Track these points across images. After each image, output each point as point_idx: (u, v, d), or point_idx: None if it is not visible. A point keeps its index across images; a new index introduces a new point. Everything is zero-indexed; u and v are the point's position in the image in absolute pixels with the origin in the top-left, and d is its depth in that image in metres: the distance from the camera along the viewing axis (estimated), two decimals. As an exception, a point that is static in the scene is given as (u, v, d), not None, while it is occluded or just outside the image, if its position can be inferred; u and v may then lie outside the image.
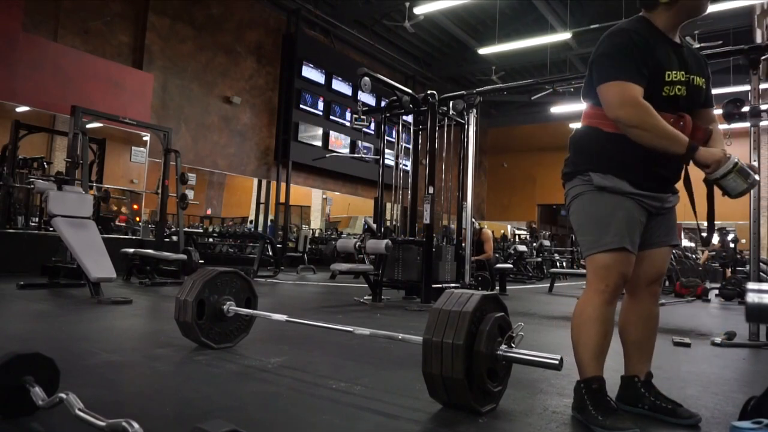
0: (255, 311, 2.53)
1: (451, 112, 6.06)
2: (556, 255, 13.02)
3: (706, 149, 1.57)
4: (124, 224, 9.43)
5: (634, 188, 1.65)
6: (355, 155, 11.51)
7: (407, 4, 10.48)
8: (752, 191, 3.59)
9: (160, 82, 9.23)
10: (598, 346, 1.65)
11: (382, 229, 5.69)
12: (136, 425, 1.16)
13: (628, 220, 1.65)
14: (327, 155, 10.53)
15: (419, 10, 9.71)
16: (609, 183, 1.66)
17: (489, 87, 6.58)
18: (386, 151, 6.49)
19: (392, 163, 6.56)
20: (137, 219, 10.28)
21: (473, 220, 6.97)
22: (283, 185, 11.11)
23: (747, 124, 3.66)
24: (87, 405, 1.32)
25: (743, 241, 9.36)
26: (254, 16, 11.03)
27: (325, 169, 11.91)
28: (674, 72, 1.65)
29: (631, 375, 1.79)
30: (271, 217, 11.59)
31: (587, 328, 1.67)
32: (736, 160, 1.55)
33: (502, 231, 17.31)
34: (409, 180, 6.19)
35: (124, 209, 10.81)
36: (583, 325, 1.68)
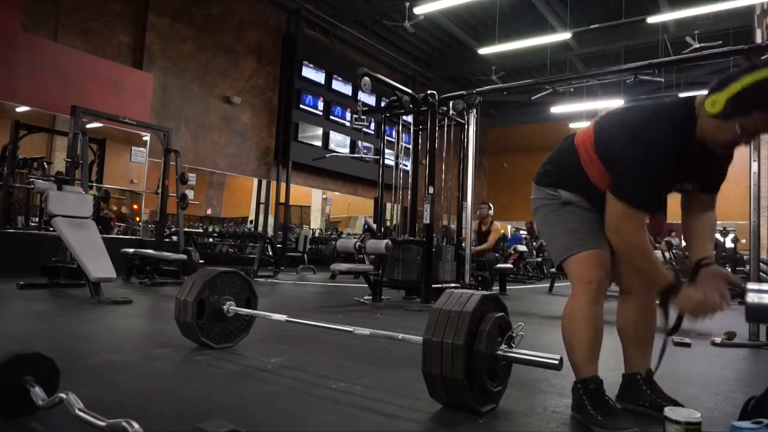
0: (255, 311, 2.53)
1: (451, 112, 6.06)
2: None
3: (687, 293, 1.49)
4: (116, 225, 9.39)
5: (588, 202, 1.74)
6: (355, 155, 11.51)
7: (407, 4, 10.48)
8: (752, 191, 3.59)
9: (160, 82, 9.23)
10: (590, 346, 1.69)
11: (382, 229, 5.69)
12: (136, 425, 1.16)
13: (595, 229, 1.71)
14: (327, 155, 10.53)
15: (419, 10, 9.71)
16: (575, 199, 1.76)
17: (489, 87, 6.57)
18: (386, 151, 6.49)
19: (392, 163, 6.56)
20: (137, 219, 10.28)
21: (488, 204, 7.14)
22: (283, 185, 11.11)
23: (747, 124, 3.65)
24: (87, 405, 1.32)
25: (743, 241, 9.35)
26: (254, 16, 11.04)
27: (325, 169, 11.91)
28: (687, 184, 1.65)
29: (632, 372, 1.80)
30: (271, 217, 11.59)
31: (578, 330, 1.69)
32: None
33: (502, 231, 17.27)
34: (409, 180, 6.19)
35: (123, 209, 10.80)
36: (573, 327, 1.70)
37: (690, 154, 1.54)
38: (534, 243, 12.24)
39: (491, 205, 7.47)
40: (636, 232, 1.55)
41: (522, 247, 10.39)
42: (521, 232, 17.10)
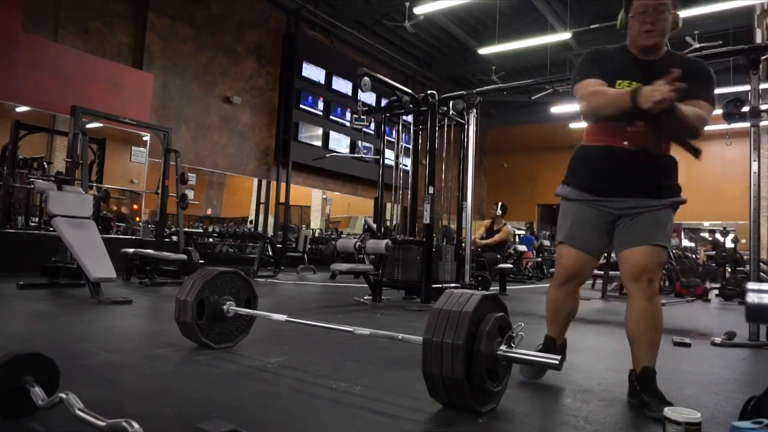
0: (255, 311, 2.53)
1: (451, 112, 6.06)
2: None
3: (643, 91, 1.67)
4: (115, 225, 9.38)
5: (589, 194, 1.99)
6: (355, 155, 11.51)
7: (407, 4, 10.48)
8: (752, 191, 3.59)
9: (160, 82, 9.23)
10: (550, 316, 2.17)
11: (382, 229, 5.69)
12: (136, 425, 1.16)
13: (573, 223, 2.04)
14: (327, 155, 10.53)
15: (419, 10, 9.71)
16: (564, 192, 2.10)
17: (489, 87, 6.58)
18: (386, 151, 6.49)
19: (392, 163, 6.56)
20: (137, 219, 10.28)
21: (497, 204, 7.45)
22: (283, 185, 11.11)
23: (747, 124, 3.66)
24: (87, 405, 1.32)
25: (743, 241, 9.35)
26: (254, 16, 11.03)
27: (325, 169, 11.91)
28: (625, 81, 1.87)
29: (632, 369, 1.92)
30: (271, 217, 11.59)
31: (546, 303, 2.18)
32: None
33: (513, 233, 17.28)
34: (409, 180, 6.19)
35: (123, 209, 10.81)
36: (546, 300, 2.18)
37: (624, 58, 1.94)
38: (534, 243, 12.25)
39: (501, 204, 7.64)
40: (587, 95, 1.89)
41: (522, 247, 10.40)
42: (521, 232, 17.11)
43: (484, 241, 7.18)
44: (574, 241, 2.02)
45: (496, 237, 7.30)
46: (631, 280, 1.89)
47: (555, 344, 2.12)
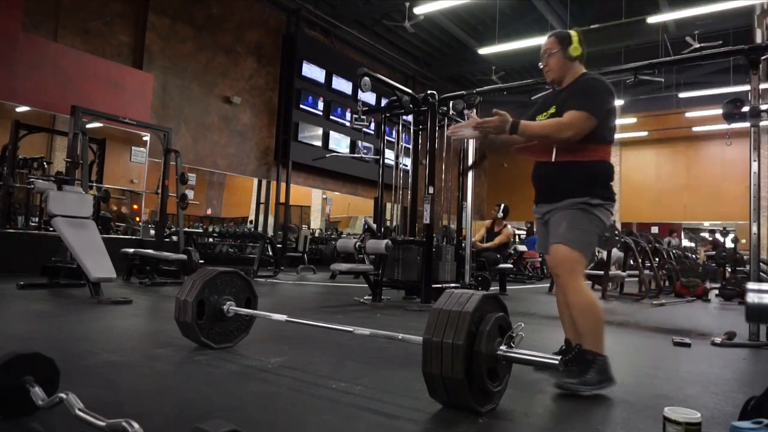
0: (255, 311, 2.53)
1: (451, 112, 6.06)
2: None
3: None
4: (115, 225, 9.38)
5: (535, 207, 2.39)
6: (355, 155, 11.51)
7: (407, 4, 10.48)
8: (752, 191, 3.59)
9: (160, 82, 9.23)
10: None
11: (382, 229, 5.69)
12: (136, 425, 1.16)
13: (537, 236, 2.43)
14: (327, 155, 10.53)
15: (419, 10, 9.71)
16: (534, 209, 2.43)
17: (489, 87, 6.57)
18: (386, 151, 6.48)
19: (392, 163, 6.56)
20: (137, 219, 10.28)
21: (498, 206, 7.55)
22: (283, 185, 11.10)
23: (747, 124, 3.66)
24: (87, 405, 1.32)
25: (743, 241, 9.35)
26: (254, 16, 11.03)
27: (325, 169, 11.91)
28: (542, 114, 2.31)
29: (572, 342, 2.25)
30: (271, 217, 11.58)
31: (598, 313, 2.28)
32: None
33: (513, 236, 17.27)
34: (409, 180, 6.19)
35: (123, 209, 10.81)
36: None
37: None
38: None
39: (504, 206, 7.66)
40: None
41: (522, 247, 10.40)
42: (521, 232, 17.10)
43: (484, 245, 7.20)
44: (539, 247, 2.46)
45: (497, 240, 7.31)
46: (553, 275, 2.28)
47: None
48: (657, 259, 7.94)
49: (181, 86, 9.66)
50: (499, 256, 7.22)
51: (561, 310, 2.32)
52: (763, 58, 3.74)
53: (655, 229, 15.34)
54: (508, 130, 2.07)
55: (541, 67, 2.31)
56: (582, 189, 2.12)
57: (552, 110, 2.24)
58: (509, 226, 7.74)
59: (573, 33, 2.24)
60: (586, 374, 1.95)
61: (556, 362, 1.62)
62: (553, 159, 2.16)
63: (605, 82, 2.21)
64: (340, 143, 12.15)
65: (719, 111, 3.91)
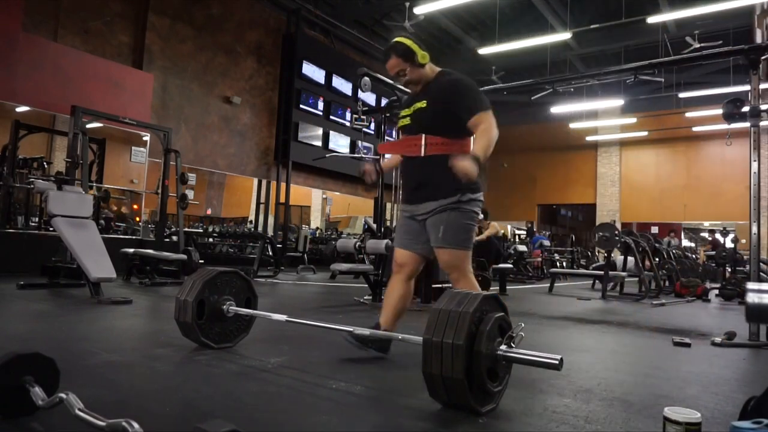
0: (255, 311, 2.53)
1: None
2: (556, 255, 13.02)
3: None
4: (115, 225, 9.38)
5: (403, 205, 2.45)
6: (355, 155, 11.51)
7: (407, 4, 10.48)
8: (752, 191, 3.59)
9: (160, 82, 9.23)
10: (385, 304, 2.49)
11: (382, 229, 5.69)
12: (136, 425, 1.16)
13: (400, 231, 2.47)
14: (327, 155, 10.52)
15: (419, 10, 9.70)
16: (400, 207, 2.50)
17: (489, 87, 6.56)
18: (386, 151, 6.48)
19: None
20: (137, 219, 10.28)
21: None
22: (283, 185, 11.10)
23: (747, 124, 3.66)
24: (87, 405, 1.32)
25: (743, 241, 9.35)
26: (254, 16, 11.03)
27: (325, 169, 11.91)
28: (405, 110, 2.44)
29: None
30: (271, 217, 11.58)
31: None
32: None
33: (502, 231, 17.31)
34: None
35: (124, 209, 10.81)
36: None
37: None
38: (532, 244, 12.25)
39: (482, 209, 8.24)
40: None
41: (522, 247, 10.40)
42: (521, 232, 17.11)
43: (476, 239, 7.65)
44: (398, 244, 2.49)
45: (485, 234, 7.87)
46: (445, 271, 2.41)
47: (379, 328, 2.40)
48: (657, 259, 7.94)
49: (181, 86, 9.66)
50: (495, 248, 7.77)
51: (390, 291, 2.44)
52: (763, 58, 3.74)
53: (655, 229, 15.35)
54: (478, 165, 2.11)
55: (400, 84, 2.42)
56: (453, 186, 2.21)
57: (422, 104, 2.31)
58: (494, 223, 8.31)
59: (408, 42, 2.28)
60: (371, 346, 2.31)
61: (556, 362, 1.62)
62: (422, 153, 2.25)
63: (468, 78, 2.37)
64: (340, 143, 12.16)
65: (719, 111, 3.91)
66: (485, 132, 2.20)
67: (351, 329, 2.11)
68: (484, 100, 2.27)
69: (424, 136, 2.26)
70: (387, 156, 2.73)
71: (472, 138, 2.27)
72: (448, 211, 2.25)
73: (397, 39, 2.31)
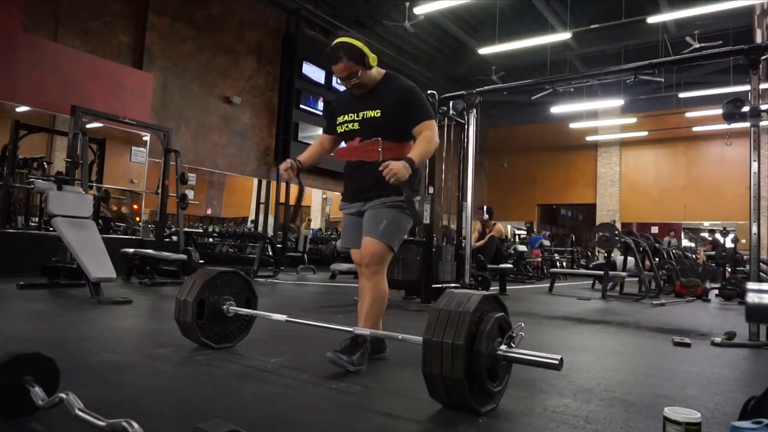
0: (255, 311, 2.53)
1: (451, 112, 6.06)
2: (556, 255, 13.02)
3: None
4: (115, 226, 9.38)
5: (346, 203, 2.45)
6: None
7: (407, 4, 10.48)
8: (752, 191, 3.59)
9: (160, 82, 9.23)
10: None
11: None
12: (136, 425, 1.16)
13: (345, 230, 2.47)
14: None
15: (419, 10, 9.71)
16: (340, 205, 2.50)
17: (489, 87, 6.57)
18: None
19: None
20: (137, 219, 10.28)
21: (483, 209, 8.36)
22: (283, 185, 11.10)
23: (747, 124, 3.66)
24: (87, 405, 1.32)
25: (743, 241, 9.35)
26: (254, 16, 11.03)
27: (325, 169, 11.89)
28: (345, 116, 2.36)
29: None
30: (271, 217, 11.58)
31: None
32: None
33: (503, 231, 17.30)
34: (409, 180, 6.18)
35: (124, 209, 10.80)
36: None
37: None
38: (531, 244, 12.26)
39: (488, 207, 8.64)
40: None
41: (522, 247, 10.40)
42: (521, 232, 17.11)
43: (477, 243, 7.85)
44: (344, 243, 2.49)
45: (488, 238, 8.12)
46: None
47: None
48: (657, 259, 7.94)
49: (181, 86, 9.66)
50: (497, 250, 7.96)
51: (360, 295, 2.39)
52: (763, 58, 3.74)
53: (655, 229, 15.35)
54: (411, 170, 2.10)
55: (346, 86, 2.30)
56: (402, 187, 2.19)
57: (375, 113, 2.25)
58: (498, 224, 8.49)
59: (359, 43, 2.19)
60: (353, 355, 2.15)
61: (556, 362, 1.62)
62: (380, 159, 2.21)
63: (412, 83, 2.35)
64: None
65: (719, 111, 3.91)
66: (426, 140, 2.20)
67: (351, 329, 2.11)
68: (430, 109, 2.30)
69: (381, 141, 2.24)
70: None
71: (412, 141, 2.28)
72: (396, 209, 2.26)
73: (344, 39, 2.20)
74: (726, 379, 2.43)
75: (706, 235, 17.41)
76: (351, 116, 2.32)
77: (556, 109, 14.84)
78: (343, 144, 2.43)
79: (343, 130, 2.36)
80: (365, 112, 2.28)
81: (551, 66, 14.00)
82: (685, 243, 18.56)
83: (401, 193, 2.21)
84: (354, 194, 2.39)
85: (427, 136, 2.22)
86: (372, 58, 2.21)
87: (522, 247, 10.37)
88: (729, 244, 9.48)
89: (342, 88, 2.45)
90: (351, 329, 2.12)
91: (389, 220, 2.25)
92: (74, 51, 7.99)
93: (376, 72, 2.29)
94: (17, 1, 7.27)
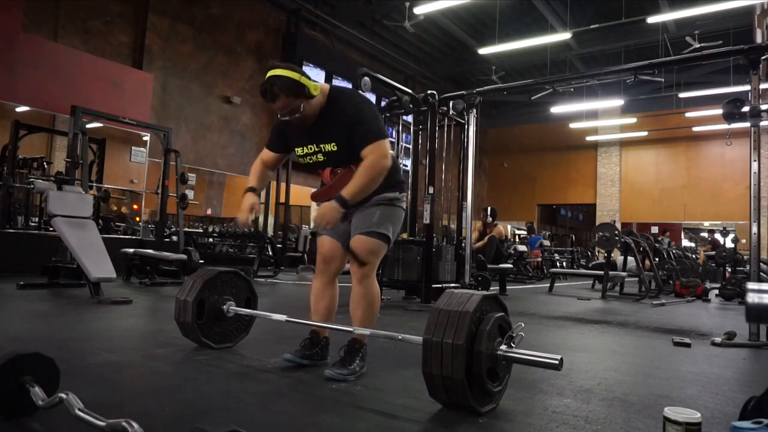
0: (255, 311, 2.53)
1: (451, 112, 6.06)
2: (556, 255, 13.02)
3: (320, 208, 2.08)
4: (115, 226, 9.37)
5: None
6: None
7: (407, 4, 10.48)
8: (752, 191, 3.59)
9: (160, 82, 9.23)
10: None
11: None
12: (136, 425, 1.16)
13: None
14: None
15: (419, 10, 9.71)
16: (311, 197, 2.34)
17: (489, 87, 6.58)
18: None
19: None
20: (137, 219, 10.27)
21: (486, 210, 8.52)
22: (283, 185, 11.09)
23: (747, 124, 3.66)
24: (87, 405, 1.32)
25: (743, 241, 9.35)
26: (254, 16, 11.04)
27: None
28: (299, 149, 2.22)
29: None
30: (271, 217, 11.57)
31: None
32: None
33: (503, 232, 17.29)
34: (409, 180, 6.19)
35: (123, 209, 10.80)
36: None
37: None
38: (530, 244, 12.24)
39: (491, 209, 8.74)
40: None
41: (522, 247, 10.40)
42: (521, 232, 17.11)
43: (478, 244, 7.92)
44: (325, 231, 2.27)
45: (487, 237, 8.21)
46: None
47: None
48: (657, 259, 7.94)
49: (181, 86, 9.66)
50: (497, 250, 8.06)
51: (318, 297, 2.32)
52: (763, 58, 3.74)
53: (655, 229, 15.35)
54: (343, 209, 2.00)
55: (288, 119, 2.05)
56: (389, 186, 2.15)
57: (332, 147, 2.10)
58: (499, 225, 8.58)
59: (294, 75, 1.97)
60: (351, 364, 2.08)
61: (556, 362, 1.62)
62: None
63: (360, 94, 2.19)
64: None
65: (719, 111, 3.91)
66: (367, 169, 2.00)
67: (351, 329, 2.11)
68: (376, 128, 2.06)
69: (352, 167, 2.08)
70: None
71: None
72: (383, 205, 2.16)
73: (276, 73, 1.96)
74: (726, 379, 2.43)
75: (705, 235, 17.38)
76: (312, 147, 2.15)
77: (556, 109, 14.84)
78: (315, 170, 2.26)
79: (308, 162, 2.20)
80: (323, 145, 2.12)
81: (551, 66, 14.01)
82: (685, 243, 18.56)
83: (389, 190, 2.14)
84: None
85: (370, 163, 2.00)
86: (313, 87, 2.00)
87: (522, 247, 10.36)
88: (729, 244, 9.47)
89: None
90: (351, 329, 2.12)
91: (381, 212, 2.15)
92: (74, 51, 7.99)
93: (321, 97, 2.08)
94: (17, 1, 7.27)
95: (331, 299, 2.34)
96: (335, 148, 2.10)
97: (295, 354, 2.21)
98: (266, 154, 2.30)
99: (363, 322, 2.19)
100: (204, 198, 17.58)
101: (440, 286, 5.26)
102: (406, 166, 6.62)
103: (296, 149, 2.20)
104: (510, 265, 8.38)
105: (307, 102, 2.02)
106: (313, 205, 17.65)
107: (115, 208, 10.50)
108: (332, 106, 2.09)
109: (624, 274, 7.17)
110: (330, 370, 2.06)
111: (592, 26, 11.41)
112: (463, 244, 5.90)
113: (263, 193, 11.67)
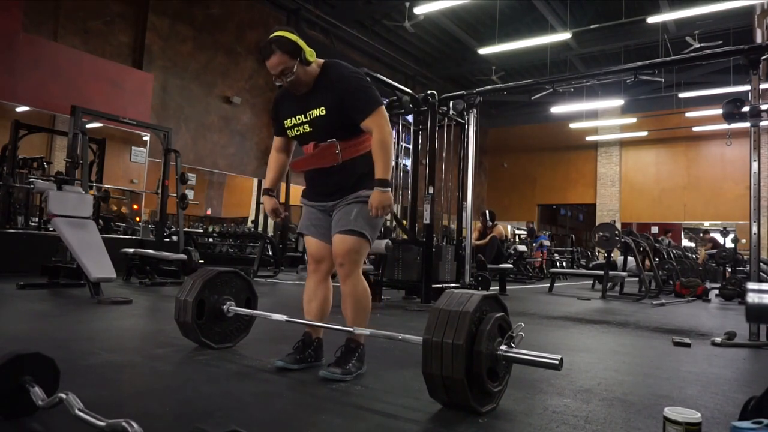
0: (255, 311, 2.53)
1: (451, 112, 6.06)
2: (556, 255, 13.01)
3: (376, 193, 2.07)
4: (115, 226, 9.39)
5: (308, 200, 2.29)
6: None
7: (407, 4, 10.49)
8: (752, 191, 3.59)
9: (160, 82, 9.23)
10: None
11: (382, 229, 5.69)
12: (136, 425, 1.16)
13: (307, 218, 2.27)
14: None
15: (419, 10, 9.71)
16: (301, 198, 2.33)
17: (489, 87, 6.58)
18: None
19: (392, 163, 6.55)
20: (137, 219, 10.27)
21: (486, 213, 8.66)
22: (283, 185, 11.10)
23: (747, 124, 3.66)
24: (87, 405, 1.32)
25: (743, 241, 9.35)
26: (254, 16, 11.04)
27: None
28: (290, 119, 2.21)
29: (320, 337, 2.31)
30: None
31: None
32: None
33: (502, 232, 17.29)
34: (409, 180, 6.19)
35: (123, 209, 10.80)
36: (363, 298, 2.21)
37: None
38: (534, 243, 12.25)
39: (489, 212, 8.87)
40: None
41: (522, 247, 10.40)
42: (521, 232, 17.11)
43: (477, 243, 8.07)
44: (307, 231, 2.26)
45: (488, 237, 8.35)
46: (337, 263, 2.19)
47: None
48: (657, 259, 7.94)
49: (181, 86, 9.67)
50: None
51: (310, 297, 2.25)
52: (763, 58, 3.74)
53: (655, 229, 15.35)
54: (389, 188, 2.04)
55: (281, 84, 2.08)
56: (368, 183, 2.10)
57: (320, 111, 2.09)
58: (499, 225, 8.72)
59: (293, 36, 2.02)
60: (347, 364, 2.07)
61: (556, 362, 1.62)
62: (340, 161, 2.10)
63: (354, 68, 2.17)
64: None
65: (719, 111, 3.91)
66: (380, 141, 2.03)
67: (351, 329, 2.11)
68: (374, 95, 2.08)
69: (337, 143, 2.09)
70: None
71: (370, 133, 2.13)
72: (361, 203, 2.12)
73: (278, 33, 2.01)
74: (726, 379, 2.43)
75: (701, 235, 17.35)
76: (299, 118, 2.15)
77: (556, 109, 14.84)
78: (299, 147, 2.28)
79: (294, 135, 2.20)
80: (312, 111, 2.11)
81: (551, 66, 14.01)
82: (685, 243, 18.56)
83: (369, 188, 2.09)
84: (316, 196, 2.25)
85: (380, 138, 2.04)
86: (309, 52, 2.04)
87: (522, 247, 10.36)
88: (729, 244, 9.47)
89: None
90: (351, 329, 2.12)
91: (359, 210, 2.11)
92: (74, 51, 7.99)
93: (316, 67, 2.10)
94: (17, 1, 7.27)
95: (323, 299, 2.26)
96: (323, 113, 2.08)
97: (286, 360, 2.17)
98: (276, 141, 2.37)
99: (354, 321, 2.16)
100: (204, 198, 17.59)
101: (440, 286, 5.26)
102: (407, 166, 6.61)
103: (285, 121, 2.21)
104: (510, 265, 8.39)
105: (301, 66, 2.04)
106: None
107: (115, 208, 10.50)
108: (327, 72, 2.12)
109: (624, 274, 7.17)
110: (325, 369, 2.05)
111: (592, 26, 11.41)
112: (463, 244, 5.91)
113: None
